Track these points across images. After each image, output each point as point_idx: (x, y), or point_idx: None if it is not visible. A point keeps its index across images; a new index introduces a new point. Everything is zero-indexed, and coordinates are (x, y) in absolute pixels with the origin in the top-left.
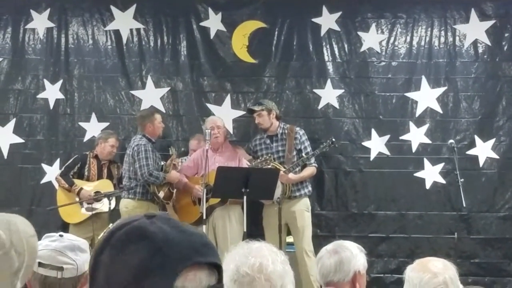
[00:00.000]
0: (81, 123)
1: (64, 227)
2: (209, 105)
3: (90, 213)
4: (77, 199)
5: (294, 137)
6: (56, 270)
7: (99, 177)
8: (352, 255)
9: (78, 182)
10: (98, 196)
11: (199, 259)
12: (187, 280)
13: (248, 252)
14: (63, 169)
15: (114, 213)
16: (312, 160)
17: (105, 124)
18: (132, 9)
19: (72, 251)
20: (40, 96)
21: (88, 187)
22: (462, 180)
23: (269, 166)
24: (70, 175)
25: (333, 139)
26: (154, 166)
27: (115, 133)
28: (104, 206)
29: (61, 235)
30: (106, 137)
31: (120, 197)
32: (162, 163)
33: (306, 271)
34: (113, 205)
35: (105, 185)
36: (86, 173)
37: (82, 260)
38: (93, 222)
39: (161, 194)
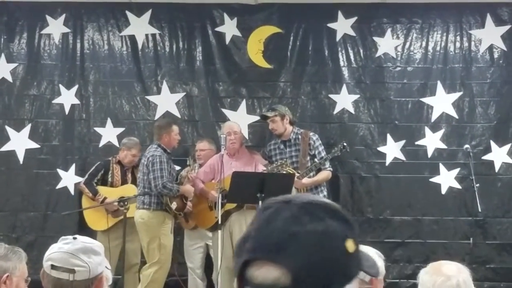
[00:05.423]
0: (96, 128)
1: (80, 232)
2: (224, 111)
3: (117, 219)
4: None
5: (308, 142)
6: (68, 273)
7: (124, 182)
8: None
9: (102, 189)
10: (116, 200)
11: (267, 257)
12: (257, 271)
13: None
14: (86, 176)
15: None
16: (327, 164)
17: (121, 130)
18: (147, 15)
19: (85, 254)
20: (55, 101)
21: (112, 194)
22: (478, 185)
23: (284, 172)
24: (93, 183)
25: (345, 144)
26: (169, 178)
27: (139, 143)
28: (131, 211)
29: (75, 238)
30: (130, 146)
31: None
32: (178, 168)
33: None
34: None
35: (129, 190)
36: (109, 179)
37: (95, 263)
38: (124, 227)
39: (174, 206)
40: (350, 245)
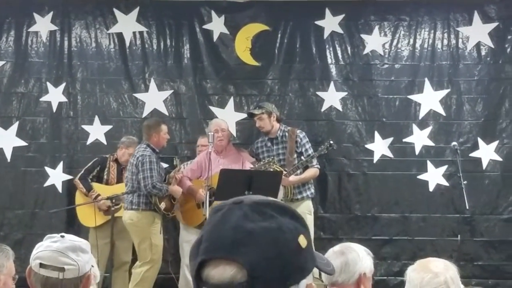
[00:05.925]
0: (84, 126)
1: (68, 230)
2: (212, 108)
3: (109, 216)
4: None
5: (295, 140)
6: (57, 271)
7: (119, 180)
8: (358, 257)
9: (96, 186)
10: (104, 198)
11: (223, 255)
12: (213, 270)
13: None
14: (82, 172)
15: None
16: (315, 161)
17: (108, 127)
18: (135, 12)
19: (74, 252)
20: (43, 99)
21: (106, 191)
22: (465, 182)
23: (271, 169)
24: (88, 179)
25: (331, 142)
26: (158, 178)
27: (137, 142)
28: (122, 210)
29: (62, 236)
30: (128, 145)
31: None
32: (166, 166)
33: None
34: None
35: (123, 189)
36: (105, 177)
37: (83, 261)
38: (112, 226)
39: (162, 206)
40: (302, 240)
